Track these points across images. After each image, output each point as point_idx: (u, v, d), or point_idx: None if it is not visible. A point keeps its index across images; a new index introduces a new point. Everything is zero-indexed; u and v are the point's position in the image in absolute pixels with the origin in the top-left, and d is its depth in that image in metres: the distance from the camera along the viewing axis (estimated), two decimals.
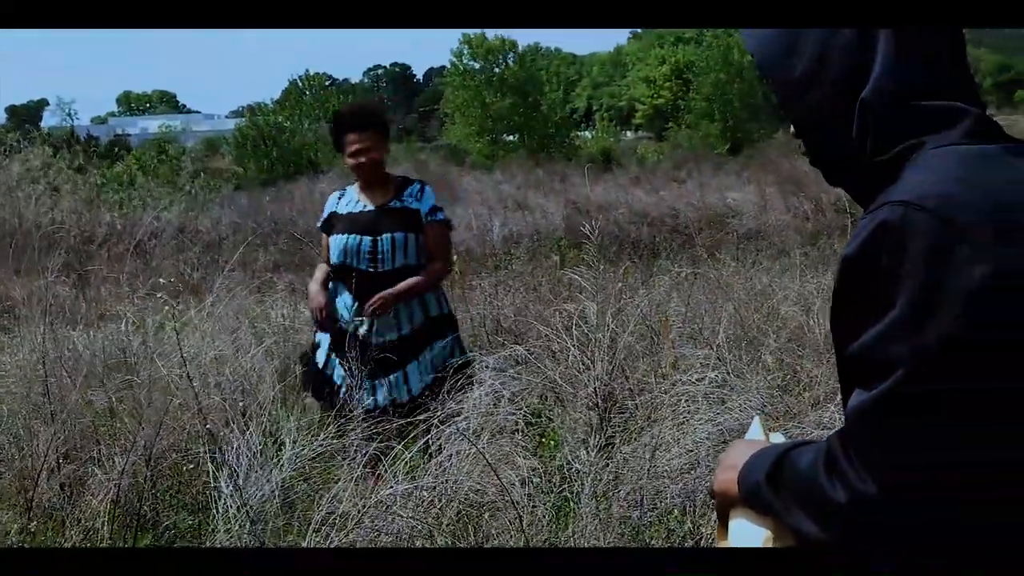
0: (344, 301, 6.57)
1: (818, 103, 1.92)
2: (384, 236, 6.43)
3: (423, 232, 6.53)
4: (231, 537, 5.21)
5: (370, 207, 6.56)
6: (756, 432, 2.23)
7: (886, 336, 1.67)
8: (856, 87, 1.86)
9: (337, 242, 6.50)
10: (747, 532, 2.02)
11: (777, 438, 2.20)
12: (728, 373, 6.74)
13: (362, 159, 6.48)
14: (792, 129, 2.06)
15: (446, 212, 6.82)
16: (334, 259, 6.53)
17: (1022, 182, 1.76)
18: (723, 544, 2.10)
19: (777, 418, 6.18)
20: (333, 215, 6.68)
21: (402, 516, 5.17)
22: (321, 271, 6.72)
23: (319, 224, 6.85)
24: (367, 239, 6.44)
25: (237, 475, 5.48)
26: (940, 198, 1.70)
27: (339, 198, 6.77)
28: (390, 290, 6.41)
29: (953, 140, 1.82)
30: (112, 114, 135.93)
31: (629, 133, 75.50)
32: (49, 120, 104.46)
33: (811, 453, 1.83)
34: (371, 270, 6.44)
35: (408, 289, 6.46)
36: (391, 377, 6.47)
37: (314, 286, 6.64)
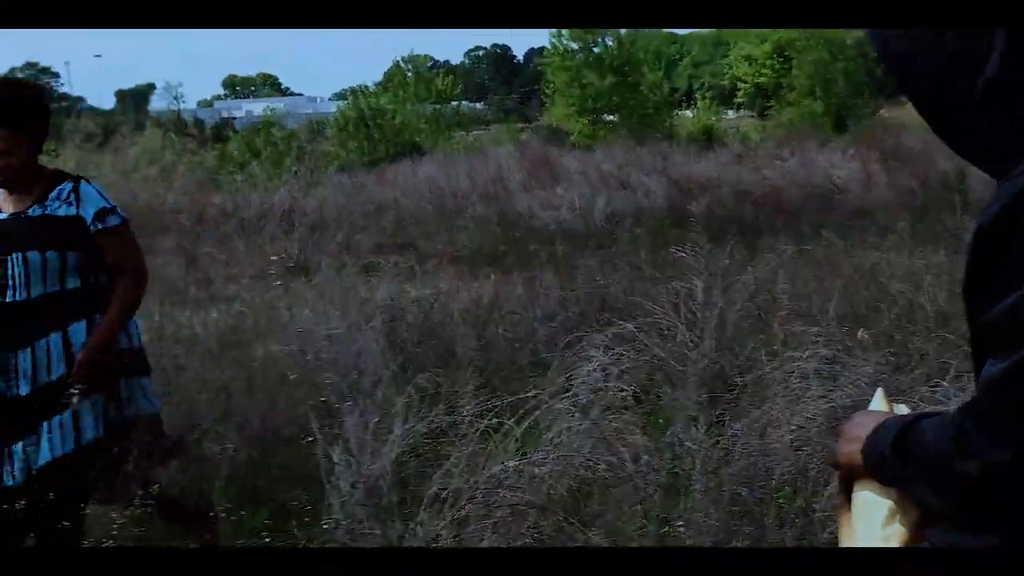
0: None
1: (949, 83, 1.88)
2: (15, 257, 4.82)
3: (86, 246, 4.94)
4: (345, 513, 5.30)
5: (4, 215, 4.94)
6: (879, 404, 2.21)
7: (1022, 305, 1.65)
8: (984, 63, 1.82)
9: None
10: (871, 504, 2.02)
11: (901, 410, 2.18)
12: (838, 350, 6.69)
13: None
14: (921, 113, 2.00)
15: (121, 212, 5.15)
16: None
17: None
18: (846, 516, 2.10)
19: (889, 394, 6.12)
20: None
21: (514, 492, 5.21)
22: None
23: None
24: None
25: (350, 450, 5.55)
26: None
27: None
28: (91, 342, 4.89)
29: None
30: (218, 97, 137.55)
31: (731, 112, 74.84)
32: (157, 103, 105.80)
33: (939, 423, 1.81)
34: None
35: (110, 331, 4.95)
36: (60, 419, 4.86)
37: None
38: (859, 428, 2.05)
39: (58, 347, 4.84)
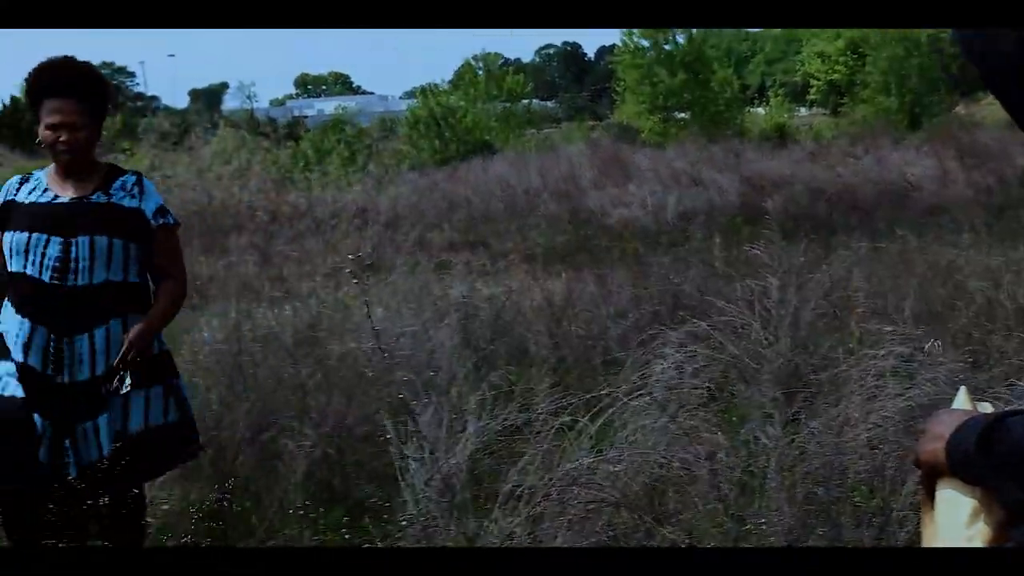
0: (17, 324, 4.78)
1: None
2: (82, 240, 4.70)
3: (146, 240, 4.89)
4: (419, 510, 5.33)
5: (62, 199, 4.80)
6: (962, 402, 2.19)
7: None
8: None
9: (15, 241, 4.74)
10: (954, 502, 2.00)
11: (985, 408, 2.16)
12: (915, 348, 6.63)
13: (64, 137, 4.74)
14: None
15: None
16: (10, 264, 4.78)
17: None
18: (928, 515, 2.08)
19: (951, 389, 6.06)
20: (10, 205, 4.84)
21: (588, 489, 5.22)
22: None
23: None
24: (57, 241, 4.69)
25: (425, 448, 5.58)
26: None
27: (18, 184, 4.92)
28: (141, 328, 4.81)
29: None
30: (290, 96, 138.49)
31: (803, 109, 74.32)
32: (229, 103, 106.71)
33: None
34: (57, 283, 4.68)
35: (161, 321, 4.96)
36: (83, 427, 4.76)
37: None
38: (942, 426, 2.04)
39: (117, 336, 4.75)
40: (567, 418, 5.94)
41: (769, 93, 64.49)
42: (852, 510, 5.18)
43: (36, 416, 4.66)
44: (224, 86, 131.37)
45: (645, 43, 53.26)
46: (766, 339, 6.82)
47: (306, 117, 61.99)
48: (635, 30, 52.98)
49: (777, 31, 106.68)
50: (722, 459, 5.43)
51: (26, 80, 4.86)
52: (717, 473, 5.23)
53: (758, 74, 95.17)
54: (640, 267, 10.43)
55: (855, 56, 59.59)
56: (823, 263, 9.69)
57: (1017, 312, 7.48)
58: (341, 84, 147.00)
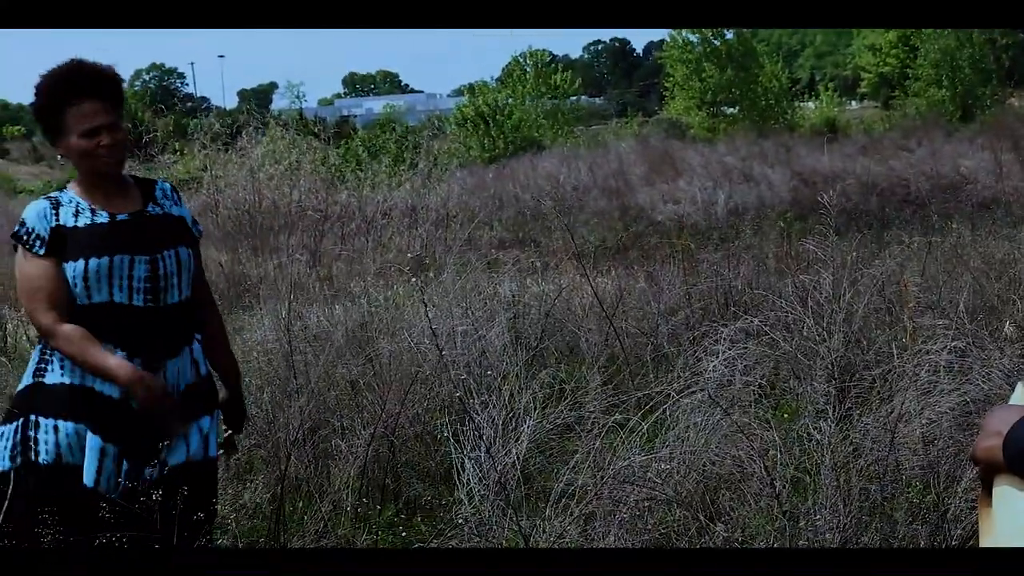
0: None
1: None
2: (167, 254, 4.30)
3: (196, 250, 4.55)
4: (472, 508, 5.34)
5: (123, 215, 4.31)
6: (1020, 398, 2.18)
7: None
8: None
9: (93, 269, 4.15)
10: (1012, 499, 1.99)
11: None
12: (970, 343, 6.58)
13: (105, 140, 4.20)
14: None
15: None
16: (86, 296, 4.18)
17: None
18: (986, 511, 2.07)
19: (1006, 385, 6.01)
20: (62, 232, 4.21)
21: (641, 487, 5.22)
22: (74, 332, 4.14)
23: (31, 245, 4.21)
24: (142, 260, 4.23)
25: (478, 446, 5.59)
26: None
27: (53, 209, 4.26)
28: (223, 348, 4.66)
29: None
30: (338, 95, 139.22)
31: (854, 103, 73.95)
32: (279, 102, 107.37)
33: None
34: (151, 305, 4.25)
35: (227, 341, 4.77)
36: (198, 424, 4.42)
37: (110, 360, 4.13)
38: (999, 423, 2.03)
39: (199, 353, 4.43)
40: (618, 416, 5.94)
41: (819, 87, 64.18)
42: (907, 507, 5.15)
43: (111, 447, 4.15)
44: (273, 86, 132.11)
45: (693, 38, 53.20)
46: (819, 335, 6.78)
47: (355, 116, 62.32)
48: None
49: None
50: (775, 456, 5.41)
51: (43, 87, 4.25)
52: (770, 470, 5.22)
53: (807, 68, 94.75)
54: (691, 263, 10.40)
55: (906, 48, 59.22)
56: (876, 258, 9.63)
57: None
58: (389, 83, 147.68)
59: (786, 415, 6.33)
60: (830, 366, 6.39)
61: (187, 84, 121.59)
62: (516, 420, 5.94)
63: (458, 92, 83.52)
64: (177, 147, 21.98)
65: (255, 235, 14.69)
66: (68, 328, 4.10)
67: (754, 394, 6.37)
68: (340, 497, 5.87)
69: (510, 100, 47.54)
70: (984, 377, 5.91)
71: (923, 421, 5.58)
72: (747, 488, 5.20)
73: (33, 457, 4.16)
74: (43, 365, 4.25)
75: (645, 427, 5.66)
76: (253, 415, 6.62)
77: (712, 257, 10.86)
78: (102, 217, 4.26)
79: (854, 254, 8.67)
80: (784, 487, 5.20)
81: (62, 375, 4.21)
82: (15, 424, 4.21)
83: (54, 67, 4.26)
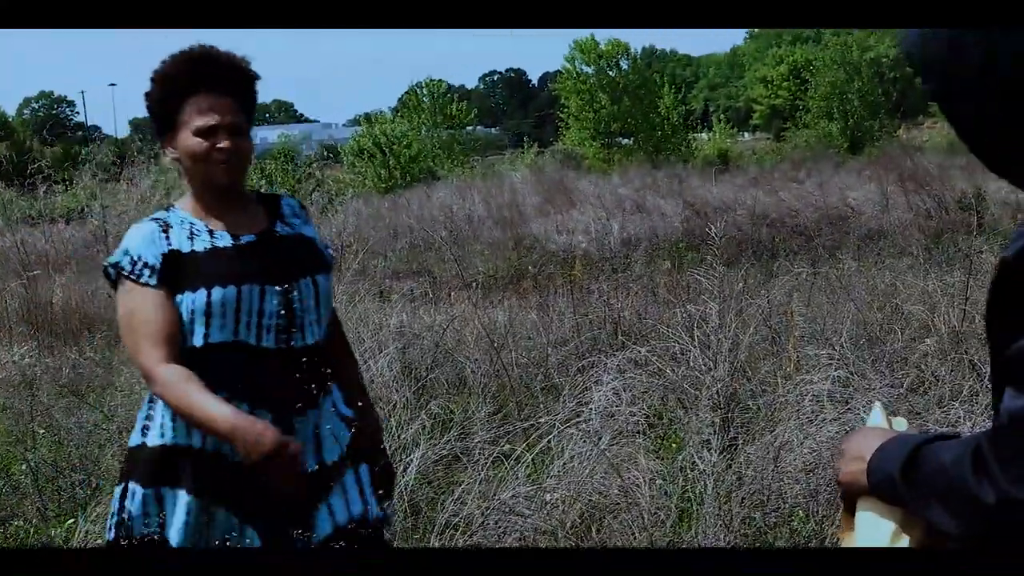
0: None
1: (985, 109, 1.83)
2: (303, 283, 3.47)
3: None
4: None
5: (248, 236, 3.49)
6: (878, 420, 2.20)
7: None
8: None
9: (217, 301, 3.32)
10: (874, 524, 2.01)
11: (900, 424, 2.18)
12: (851, 373, 6.69)
13: (223, 143, 3.42)
14: (954, 131, 1.97)
15: None
16: (203, 335, 3.34)
17: None
18: (848, 535, 2.09)
19: (895, 413, 6.11)
20: (177, 257, 3.39)
21: (524, 517, 5.22)
22: (176, 373, 3.24)
23: (137, 275, 3.36)
24: (273, 291, 3.40)
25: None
26: None
27: (162, 231, 3.43)
28: (366, 400, 3.82)
29: None
30: None
31: (746, 134, 75.01)
32: None
33: (957, 449, 1.80)
34: (283, 346, 3.40)
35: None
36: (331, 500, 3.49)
37: (213, 406, 3.15)
38: (861, 447, 2.05)
39: (340, 402, 3.61)
40: (506, 446, 5.94)
41: (712, 118, 65.02)
42: (789, 534, 5.21)
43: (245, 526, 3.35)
44: None
45: (588, 69, 53.59)
46: (705, 364, 6.84)
47: None
48: (577, 56, 53.33)
49: (720, 56, 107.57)
50: (660, 485, 5.45)
51: (160, 73, 3.50)
52: (654, 500, 5.25)
53: (701, 99, 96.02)
54: (582, 294, 10.45)
55: (797, 81, 60.26)
56: (763, 288, 9.76)
57: (952, 335, 7.56)
58: (284, 112, 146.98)
59: (674, 444, 6.37)
60: (715, 395, 6.45)
61: (78, 112, 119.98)
62: (404, 451, 5.93)
63: (354, 122, 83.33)
64: (65, 176, 21.63)
65: None
66: (170, 369, 3.24)
67: (641, 424, 6.41)
68: None
69: (409, 132, 47.53)
70: (865, 406, 5.99)
71: (805, 450, 5.66)
72: (631, 518, 5.23)
73: (141, 533, 3.38)
74: (149, 423, 3.42)
75: (530, 457, 5.67)
76: None
77: (603, 287, 10.93)
78: (223, 239, 3.45)
79: (741, 284, 8.77)
80: (668, 516, 5.23)
81: (162, 435, 3.39)
82: (120, 488, 3.45)
83: (178, 52, 3.53)
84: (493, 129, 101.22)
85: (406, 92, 57.91)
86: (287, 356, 3.38)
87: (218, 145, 3.38)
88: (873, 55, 57.94)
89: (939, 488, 1.80)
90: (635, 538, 5.13)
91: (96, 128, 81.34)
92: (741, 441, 6.05)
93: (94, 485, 6.12)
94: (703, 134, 61.09)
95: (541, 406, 7.10)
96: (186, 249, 3.39)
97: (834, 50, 53.68)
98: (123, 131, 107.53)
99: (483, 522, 5.18)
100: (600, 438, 5.80)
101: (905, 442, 1.94)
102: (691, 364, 7.04)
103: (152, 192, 17.57)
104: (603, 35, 53.77)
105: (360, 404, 3.70)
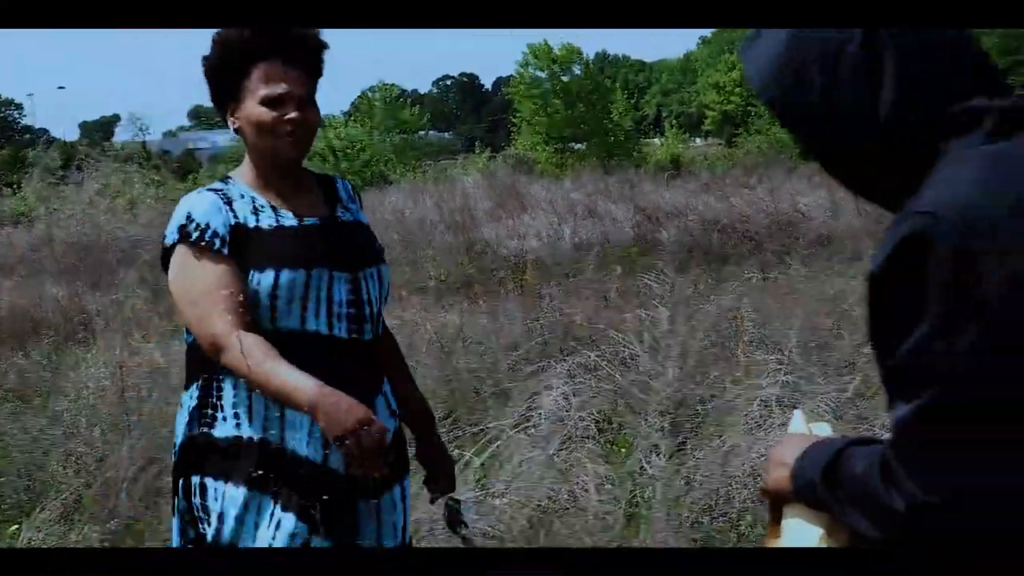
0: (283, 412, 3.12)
1: (833, 131, 1.89)
2: (369, 273, 3.30)
3: None
4: None
5: (312, 219, 3.28)
6: (799, 426, 2.22)
7: (919, 350, 1.68)
8: (870, 109, 1.84)
9: (286, 283, 3.11)
10: (800, 530, 2.02)
11: (820, 429, 2.20)
12: (799, 378, 6.73)
13: (293, 114, 3.18)
14: (808, 153, 2.03)
15: None
16: (270, 319, 3.12)
17: None
18: (774, 542, 2.10)
19: (833, 417, 6.16)
20: (242, 232, 3.16)
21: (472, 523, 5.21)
22: (257, 343, 2.97)
23: (208, 243, 3.12)
24: (342, 279, 3.21)
25: None
26: (961, 206, 1.68)
27: (227, 202, 3.21)
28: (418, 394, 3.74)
29: (977, 142, 1.79)
30: (183, 128, 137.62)
31: (699, 140, 75.29)
32: (121, 135, 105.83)
33: (866, 458, 1.83)
34: (355, 337, 3.22)
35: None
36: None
37: (294, 377, 2.88)
38: (785, 454, 2.07)
39: (392, 399, 3.44)
40: (454, 451, 5.92)
41: (665, 123, 65.22)
42: (737, 539, 5.23)
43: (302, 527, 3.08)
44: (116, 118, 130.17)
45: (541, 74, 53.57)
46: (654, 369, 6.86)
47: (200, 149, 61.61)
48: (531, 62, 53.34)
49: (673, 61, 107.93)
50: (608, 490, 5.45)
51: (223, 37, 3.23)
52: (603, 504, 5.25)
53: (654, 104, 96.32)
54: (533, 299, 10.45)
55: (749, 87, 60.54)
56: (713, 293, 9.79)
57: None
58: None
59: (623, 449, 6.38)
60: (665, 400, 6.46)
61: (25, 115, 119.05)
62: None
63: None
64: (13, 179, 21.48)
65: (93, 270, 14.39)
66: (247, 337, 2.95)
67: (590, 429, 6.41)
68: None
69: (362, 138, 47.40)
70: (812, 410, 6.03)
71: (753, 455, 5.68)
72: (579, 523, 5.23)
73: (202, 531, 3.16)
74: (210, 411, 3.16)
75: (479, 462, 5.66)
76: (83, 454, 6.48)
77: (554, 292, 10.94)
78: (288, 219, 3.23)
79: (692, 289, 8.81)
80: (616, 521, 5.24)
81: (237, 426, 3.14)
82: (183, 482, 3.21)
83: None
84: (446, 133, 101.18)
85: (358, 97, 57.78)
86: (356, 348, 3.22)
87: (286, 116, 3.16)
88: None
89: (856, 495, 1.83)
90: (583, 542, 5.13)
91: (44, 131, 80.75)
92: (690, 446, 6.06)
93: (38, 491, 6.07)
94: (656, 139, 61.27)
95: (490, 411, 7.09)
96: (251, 224, 3.17)
97: None
98: (72, 135, 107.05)
99: (431, 528, 5.16)
100: (549, 443, 5.79)
101: (826, 447, 1.96)
102: (641, 369, 7.06)
103: (101, 194, 17.50)
104: (556, 40, 53.86)
105: (411, 399, 3.62)
